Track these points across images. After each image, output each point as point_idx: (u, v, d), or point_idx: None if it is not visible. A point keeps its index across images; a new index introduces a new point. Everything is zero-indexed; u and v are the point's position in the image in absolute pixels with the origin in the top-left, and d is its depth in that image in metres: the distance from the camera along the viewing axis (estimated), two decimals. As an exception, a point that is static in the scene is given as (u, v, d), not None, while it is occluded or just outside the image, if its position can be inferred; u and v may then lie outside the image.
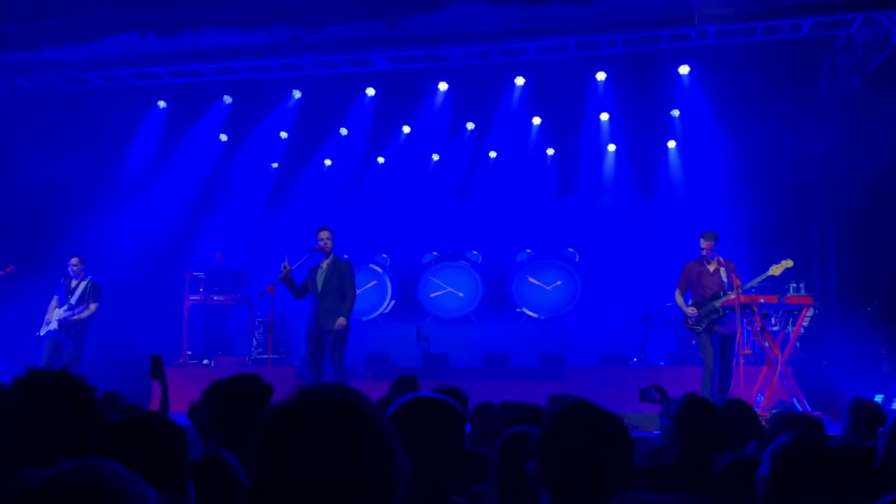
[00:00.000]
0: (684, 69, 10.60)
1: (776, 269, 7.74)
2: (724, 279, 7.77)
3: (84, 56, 10.17)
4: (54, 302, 9.35)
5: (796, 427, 2.87)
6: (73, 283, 9.31)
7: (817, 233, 10.81)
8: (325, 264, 8.23)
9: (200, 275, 11.56)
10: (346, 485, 1.29)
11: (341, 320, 8.02)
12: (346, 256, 10.06)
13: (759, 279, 7.82)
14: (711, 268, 7.91)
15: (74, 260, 9.33)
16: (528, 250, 12.71)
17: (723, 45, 9.83)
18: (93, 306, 9.20)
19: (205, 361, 11.11)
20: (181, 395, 5.20)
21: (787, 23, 9.35)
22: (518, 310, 12.35)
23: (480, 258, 12.86)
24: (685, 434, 3.04)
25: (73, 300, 9.20)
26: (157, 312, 11.39)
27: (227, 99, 11.67)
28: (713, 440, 3.15)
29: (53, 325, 9.17)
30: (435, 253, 12.88)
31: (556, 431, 2.10)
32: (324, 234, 8.19)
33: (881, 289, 9.56)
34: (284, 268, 7.92)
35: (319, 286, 8.17)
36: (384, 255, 12.90)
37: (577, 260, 12.57)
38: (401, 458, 1.38)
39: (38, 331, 9.32)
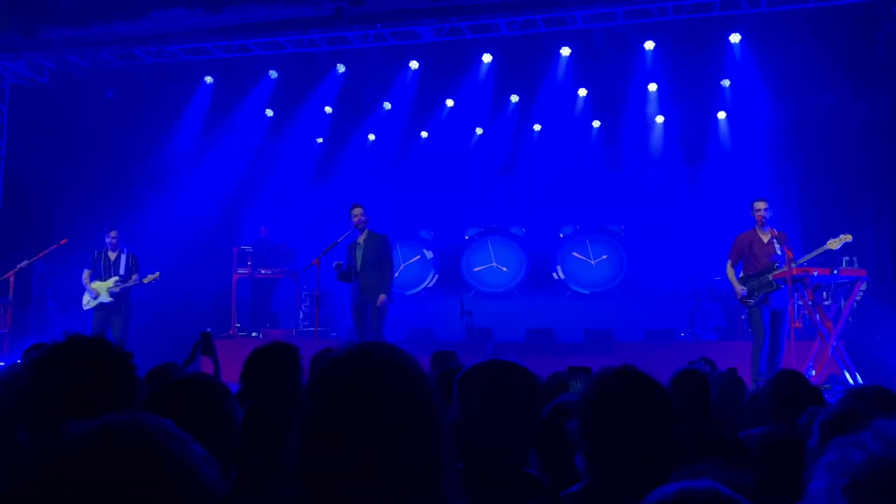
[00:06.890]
0: (735, 38, 10.35)
1: (834, 243, 7.44)
2: (778, 251, 7.55)
3: (133, 32, 10.29)
4: (87, 274, 9.31)
5: (868, 400, 2.79)
6: (112, 255, 9.34)
7: (872, 206, 10.50)
8: (360, 240, 8.28)
9: (248, 249, 11.70)
10: (386, 432, 1.34)
11: (382, 297, 8.04)
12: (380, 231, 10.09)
13: (815, 252, 7.53)
14: (765, 238, 7.67)
15: (113, 233, 9.36)
16: (577, 226, 12.59)
17: (775, 12, 9.57)
18: (153, 275, 9.24)
19: (253, 334, 11.27)
20: (231, 367, 5.26)
21: (843, -12, 9.07)
22: (555, 277, 12.25)
23: (524, 233, 12.79)
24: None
25: (121, 271, 9.24)
26: (206, 287, 11.57)
27: (273, 74, 11.72)
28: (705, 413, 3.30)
29: (105, 298, 9.17)
30: (480, 229, 12.84)
31: (599, 393, 2.09)
32: (356, 211, 8.26)
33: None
34: (337, 266, 8.17)
35: (358, 263, 8.22)
36: (428, 231, 12.89)
37: (622, 234, 12.42)
38: (443, 414, 1.43)
39: (83, 304, 9.30)
